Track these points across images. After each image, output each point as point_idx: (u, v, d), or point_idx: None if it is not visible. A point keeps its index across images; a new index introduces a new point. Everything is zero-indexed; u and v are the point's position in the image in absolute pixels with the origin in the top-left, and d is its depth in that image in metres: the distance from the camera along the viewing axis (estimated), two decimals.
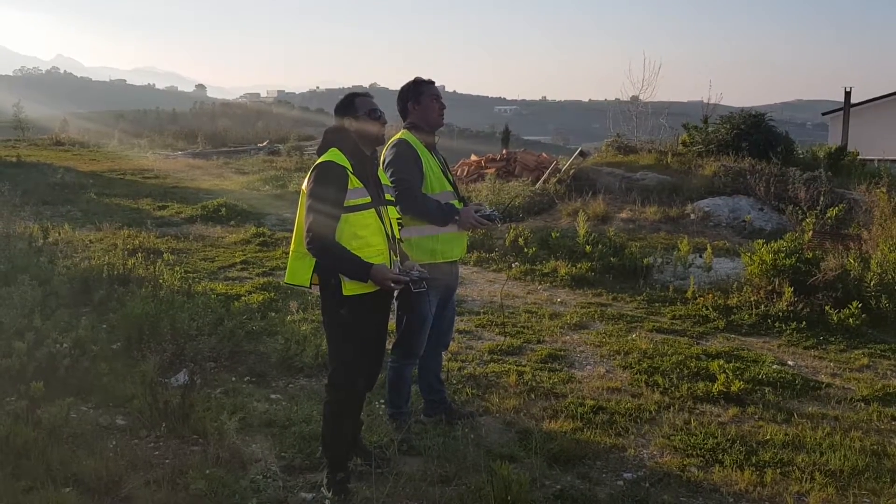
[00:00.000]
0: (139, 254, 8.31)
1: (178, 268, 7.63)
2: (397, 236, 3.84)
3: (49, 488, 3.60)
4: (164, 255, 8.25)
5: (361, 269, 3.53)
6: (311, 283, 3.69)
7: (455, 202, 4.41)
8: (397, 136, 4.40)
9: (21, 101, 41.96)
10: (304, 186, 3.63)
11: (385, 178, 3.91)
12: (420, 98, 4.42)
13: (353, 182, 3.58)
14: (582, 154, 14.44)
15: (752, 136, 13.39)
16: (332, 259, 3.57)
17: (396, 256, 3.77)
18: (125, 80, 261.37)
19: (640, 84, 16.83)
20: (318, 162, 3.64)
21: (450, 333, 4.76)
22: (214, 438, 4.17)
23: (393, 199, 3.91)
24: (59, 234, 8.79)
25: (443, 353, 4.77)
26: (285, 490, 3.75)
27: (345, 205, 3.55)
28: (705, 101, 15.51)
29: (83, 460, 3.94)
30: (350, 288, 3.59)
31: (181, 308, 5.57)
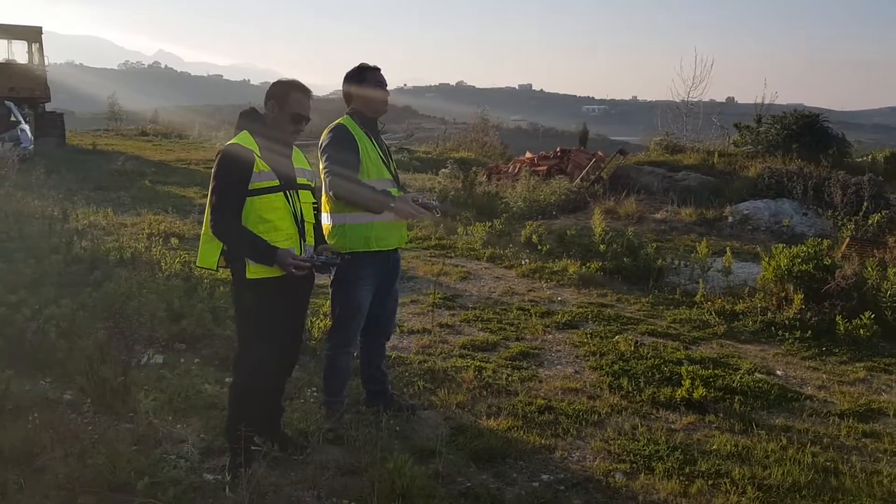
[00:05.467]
0: (154, 238, 8.54)
1: (181, 252, 7.79)
2: (310, 220, 3.80)
3: None
4: (172, 240, 8.44)
5: (266, 253, 3.52)
6: (218, 266, 3.70)
7: (393, 190, 4.33)
8: (337, 120, 4.37)
9: (117, 93, 43.87)
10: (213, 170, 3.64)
11: (302, 161, 3.87)
12: (363, 84, 4.38)
13: (259, 165, 3.56)
14: (622, 153, 14.07)
15: (804, 137, 12.77)
16: (235, 242, 3.57)
17: (308, 241, 3.74)
18: (222, 76, 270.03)
19: (690, 81, 16.23)
20: (225, 145, 3.65)
21: (391, 324, 4.69)
22: (143, 417, 4.23)
23: (311, 183, 3.86)
24: (78, 217, 9.10)
25: (385, 342, 4.70)
26: (190, 470, 3.75)
27: (250, 187, 3.54)
28: (759, 100, 14.88)
29: (16, 432, 4.05)
30: (254, 271, 3.58)
31: (152, 290, 5.68)
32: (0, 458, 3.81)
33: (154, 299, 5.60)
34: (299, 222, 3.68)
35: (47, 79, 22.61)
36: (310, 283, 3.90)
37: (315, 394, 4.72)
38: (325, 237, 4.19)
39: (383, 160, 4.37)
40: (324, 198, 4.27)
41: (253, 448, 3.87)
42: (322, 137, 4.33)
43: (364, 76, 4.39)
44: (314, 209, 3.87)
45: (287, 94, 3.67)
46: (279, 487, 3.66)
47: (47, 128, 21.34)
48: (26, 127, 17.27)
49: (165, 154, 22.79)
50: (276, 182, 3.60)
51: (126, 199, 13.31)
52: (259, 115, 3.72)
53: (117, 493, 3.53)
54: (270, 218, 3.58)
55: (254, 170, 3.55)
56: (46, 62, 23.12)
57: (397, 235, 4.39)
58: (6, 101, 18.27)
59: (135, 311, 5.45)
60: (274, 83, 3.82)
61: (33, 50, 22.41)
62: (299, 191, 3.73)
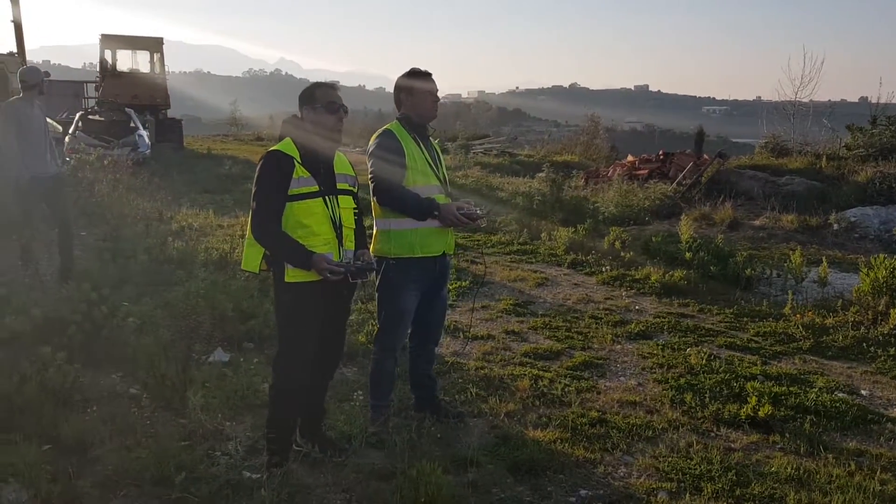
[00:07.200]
0: (244, 239, 8.83)
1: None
2: (350, 226, 3.82)
3: (27, 444, 3.92)
4: None
5: (303, 257, 3.58)
6: (259, 269, 3.78)
7: (440, 197, 4.31)
8: (386, 126, 4.39)
9: (239, 101, 45.73)
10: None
11: (346, 167, 3.90)
12: (413, 90, 4.38)
13: (299, 171, 3.62)
14: (721, 156, 13.51)
15: None
16: (273, 246, 3.65)
17: (348, 246, 3.76)
18: (338, 82, 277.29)
19: (798, 81, 15.39)
20: (265, 151, 3.73)
21: (439, 329, 4.66)
22: (195, 413, 4.38)
23: (352, 188, 3.89)
24: (177, 218, 9.51)
25: (433, 348, 4.68)
26: (230, 468, 3.84)
27: (289, 193, 3.61)
28: (872, 99, 13.93)
29: (77, 423, 4.27)
30: (292, 275, 3.64)
31: (224, 289, 5.88)
32: (59, 446, 4.03)
33: (224, 299, 5.78)
34: (338, 227, 3.71)
35: (167, 87, 23.87)
36: (350, 288, 3.92)
37: (362, 397, 4.75)
38: (372, 242, 4.24)
39: (431, 166, 4.35)
40: (372, 202, 4.30)
41: (295, 448, 3.98)
42: (370, 142, 4.36)
43: (414, 82, 4.39)
44: (355, 214, 3.89)
45: (313, 94, 3.77)
46: (311, 489, 3.70)
47: (166, 133, 22.51)
48: (144, 133, 18.27)
49: None
50: (315, 188, 3.65)
51: (229, 201, 13.82)
52: (301, 122, 3.79)
53: (158, 487, 3.65)
54: (308, 223, 3.63)
55: (293, 175, 3.61)
56: (167, 71, 24.41)
57: (442, 242, 4.35)
58: (126, 108, 19.40)
59: (193, 309, 5.64)
60: (306, 87, 3.90)
61: (155, 59, 23.72)
62: (340, 196, 3.77)
